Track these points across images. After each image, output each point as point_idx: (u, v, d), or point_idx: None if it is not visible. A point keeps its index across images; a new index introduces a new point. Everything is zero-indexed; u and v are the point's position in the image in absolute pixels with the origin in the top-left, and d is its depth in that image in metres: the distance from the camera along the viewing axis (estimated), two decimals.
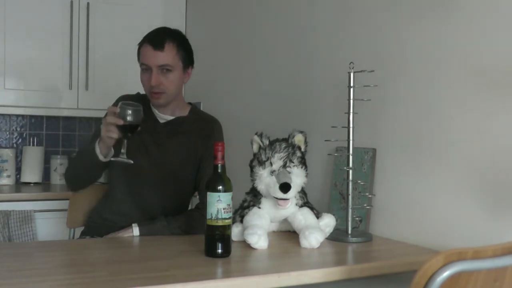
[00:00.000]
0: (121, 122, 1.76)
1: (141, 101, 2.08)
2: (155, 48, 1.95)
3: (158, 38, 1.98)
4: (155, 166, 2.02)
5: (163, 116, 2.07)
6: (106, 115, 1.93)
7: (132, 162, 1.82)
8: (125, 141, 1.81)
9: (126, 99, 2.09)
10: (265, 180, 1.75)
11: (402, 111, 1.92)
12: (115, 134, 1.78)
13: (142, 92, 2.12)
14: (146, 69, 1.98)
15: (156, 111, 2.08)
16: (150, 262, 1.48)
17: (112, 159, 1.86)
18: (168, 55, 1.97)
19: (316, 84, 2.35)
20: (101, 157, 1.86)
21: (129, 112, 1.77)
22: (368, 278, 1.55)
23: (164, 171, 2.03)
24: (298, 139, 1.80)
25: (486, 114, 1.64)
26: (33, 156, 3.26)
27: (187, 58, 2.04)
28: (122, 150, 1.81)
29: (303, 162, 1.78)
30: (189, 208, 2.18)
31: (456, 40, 1.74)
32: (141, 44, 2.01)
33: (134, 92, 2.15)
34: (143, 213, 2.01)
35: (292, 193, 1.73)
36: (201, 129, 2.09)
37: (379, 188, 1.99)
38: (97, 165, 1.90)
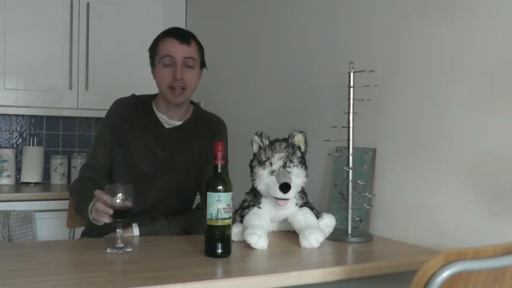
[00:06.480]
0: (111, 212, 1.59)
1: (140, 104, 2.05)
2: (181, 42, 1.94)
3: (182, 33, 1.98)
4: (161, 171, 1.99)
5: (170, 122, 2.02)
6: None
7: (131, 249, 1.60)
8: (119, 232, 1.60)
9: (123, 103, 2.04)
10: (265, 180, 1.75)
11: (402, 111, 1.92)
12: (106, 219, 1.65)
13: (148, 92, 2.10)
14: (168, 64, 1.93)
15: (162, 116, 2.02)
16: (150, 262, 1.48)
17: (108, 250, 1.57)
18: (193, 49, 1.96)
19: (316, 84, 2.34)
20: (96, 223, 1.76)
21: (119, 198, 1.59)
22: (368, 278, 1.55)
23: (170, 176, 2.00)
24: (298, 139, 1.80)
25: (486, 114, 1.64)
26: (33, 156, 3.26)
27: (203, 59, 2.03)
28: (118, 243, 1.58)
29: (303, 162, 1.78)
30: None
31: (456, 40, 1.74)
32: (162, 39, 1.97)
33: (129, 94, 2.11)
34: (145, 217, 1.97)
35: (292, 193, 1.73)
36: (206, 131, 2.06)
37: (379, 188, 1.99)
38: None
